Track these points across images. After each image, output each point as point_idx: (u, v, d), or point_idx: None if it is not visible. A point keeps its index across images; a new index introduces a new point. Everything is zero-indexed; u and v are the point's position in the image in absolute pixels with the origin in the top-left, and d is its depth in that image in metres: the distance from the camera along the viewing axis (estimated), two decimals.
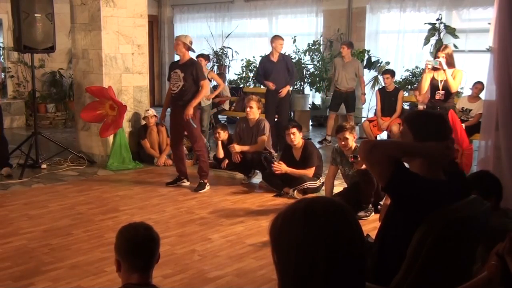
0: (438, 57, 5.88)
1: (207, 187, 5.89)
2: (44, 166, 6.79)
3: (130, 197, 5.63)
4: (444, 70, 5.81)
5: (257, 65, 8.41)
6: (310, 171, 5.59)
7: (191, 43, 5.83)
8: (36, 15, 6.57)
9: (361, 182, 4.77)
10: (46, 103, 10.61)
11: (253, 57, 11.02)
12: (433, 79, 5.96)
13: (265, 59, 8.11)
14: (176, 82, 5.79)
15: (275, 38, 7.95)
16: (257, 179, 6.28)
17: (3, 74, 7.21)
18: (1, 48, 10.50)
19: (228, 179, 6.49)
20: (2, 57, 10.40)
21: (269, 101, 7.97)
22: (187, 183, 6.06)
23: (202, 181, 5.90)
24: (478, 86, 7.49)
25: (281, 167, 5.45)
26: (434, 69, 5.90)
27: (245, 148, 6.14)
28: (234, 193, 5.85)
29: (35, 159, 6.82)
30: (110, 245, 4.18)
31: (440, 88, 5.94)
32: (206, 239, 4.36)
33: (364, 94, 8.84)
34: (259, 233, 4.47)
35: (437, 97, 5.97)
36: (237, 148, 6.08)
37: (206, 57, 8.81)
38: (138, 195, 5.70)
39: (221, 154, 6.60)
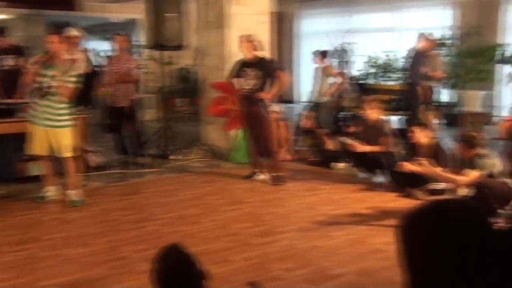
0: None
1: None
2: (172, 157, 7.22)
3: (251, 190, 5.79)
4: None
5: (413, 58, 8.03)
6: None
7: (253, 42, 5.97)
8: (168, 14, 6.99)
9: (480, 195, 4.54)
10: (175, 98, 11.24)
11: (374, 52, 10.76)
12: None
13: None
14: (252, 80, 5.88)
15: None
16: (381, 178, 6.11)
17: (141, 70, 7.77)
18: (140, 47, 11.28)
19: (348, 177, 6.39)
20: (142, 54, 11.18)
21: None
22: (261, 177, 6.19)
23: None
24: None
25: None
26: None
27: (367, 148, 6.00)
28: (355, 191, 5.76)
29: (165, 151, 7.27)
30: (233, 235, 4.35)
31: None
32: (327, 236, 4.34)
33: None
34: (382, 234, 4.33)
35: None
36: (359, 148, 5.96)
37: (321, 53, 8.72)
38: (259, 188, 5.83)
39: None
